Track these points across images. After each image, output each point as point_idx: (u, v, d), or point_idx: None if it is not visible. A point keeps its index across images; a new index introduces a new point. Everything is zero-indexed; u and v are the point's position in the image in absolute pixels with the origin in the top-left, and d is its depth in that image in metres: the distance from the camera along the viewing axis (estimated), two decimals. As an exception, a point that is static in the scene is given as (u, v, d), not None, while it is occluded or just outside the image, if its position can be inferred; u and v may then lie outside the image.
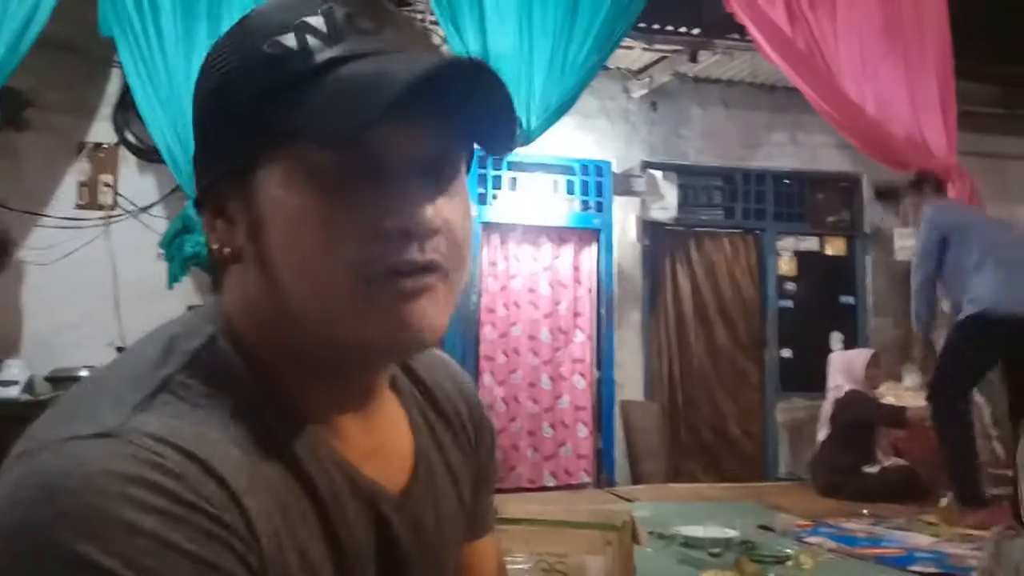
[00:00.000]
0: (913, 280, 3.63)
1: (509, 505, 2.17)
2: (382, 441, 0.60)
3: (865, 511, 3.48)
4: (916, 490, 3.77)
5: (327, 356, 0.55)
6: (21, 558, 0.43)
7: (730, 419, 5.41)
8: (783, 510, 3.64)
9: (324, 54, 0.51)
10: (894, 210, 5.36)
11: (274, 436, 0.52)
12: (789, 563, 2.67)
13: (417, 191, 0.52)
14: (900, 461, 4.07)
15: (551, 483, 4.94)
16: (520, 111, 3.55)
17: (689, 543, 2.86)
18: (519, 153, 4.26)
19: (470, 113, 0.53)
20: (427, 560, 0.61)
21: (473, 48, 3.63)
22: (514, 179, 4.86)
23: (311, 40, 0.51)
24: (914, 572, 2.67)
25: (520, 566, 1.73)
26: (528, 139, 3.73)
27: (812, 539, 3.04)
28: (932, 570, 2.68)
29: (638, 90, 5.26)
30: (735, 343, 5.48)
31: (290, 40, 0.51)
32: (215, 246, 0.55)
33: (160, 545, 0.43)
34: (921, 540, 3.04)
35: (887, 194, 3.86)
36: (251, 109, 0.51)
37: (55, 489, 0.44)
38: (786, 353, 5.51)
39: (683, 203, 5.38)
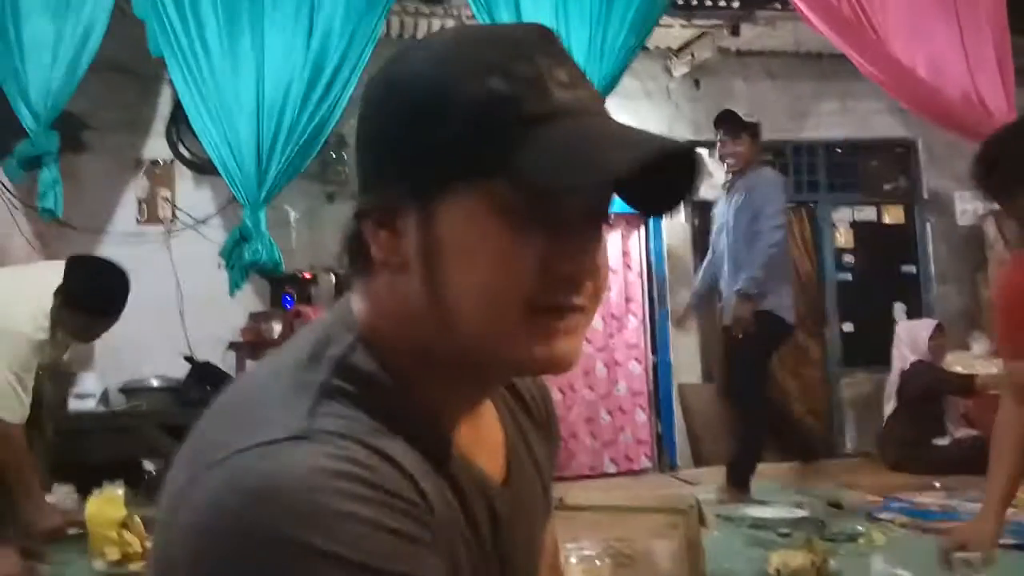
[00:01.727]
0: (775, 235, 3.49)
1: (573, 492, 2.18)
2: (483, 435, 0.65)
3: (937, 484, 3.40)
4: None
5: (469, 366, 0.59)
6: (250, 556, 0.47)
7: (793, 397, 5.32)
8: (852, 487, 3.58)
9: (536, 105, 0.54)
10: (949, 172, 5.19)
11: (420, 436, 0.57)
12: (861, 540, 2.63)
13: (586, 239, 0.57)
14: (972, 432, 3.96)
15: (612, 469, 4.94)
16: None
17: (757, 524, 2.84)
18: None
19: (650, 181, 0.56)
20: (524, 547, 0.67)
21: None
22: (559, 167, 4.85)
23: (521, 87, 0.54)
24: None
25: (588, 552, 1.74)
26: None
27: (884, 515, 2.98)
28: (1011, 542, 2.60)
29: (680, 68, 5.19)
30: (794, 319, 5.38)
31: (500, 83, 0.54)
32: (377, 254, 0.58)
33: (372, 527, 0.49)
34: (999, 512, 2.95)
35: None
36: (451, 142, 0.54)
37: (271, 489, 0.48)
38: (848, 327, 5.39)
39: (732, 180, 5.29)
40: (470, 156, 0.54)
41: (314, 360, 0.57)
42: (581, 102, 0.56)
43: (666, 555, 1.92)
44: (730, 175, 3.76)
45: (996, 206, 1.71)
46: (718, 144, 3.75)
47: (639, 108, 5.14)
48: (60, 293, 2.52)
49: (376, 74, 0.60)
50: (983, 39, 3.95)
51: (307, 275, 4.36)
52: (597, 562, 1.74)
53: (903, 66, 3.89)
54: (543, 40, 0.57)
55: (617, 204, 0.59)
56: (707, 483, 3.79)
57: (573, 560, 1.72)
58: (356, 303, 0.61)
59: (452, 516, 0.57)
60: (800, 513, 2.92)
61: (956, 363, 4.25)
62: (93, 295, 2.59)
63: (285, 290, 4.25)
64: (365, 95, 0.60)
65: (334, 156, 4.55)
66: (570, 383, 4.90)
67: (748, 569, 2.41)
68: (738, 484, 3.53)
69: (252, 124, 3.68)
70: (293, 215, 4.58)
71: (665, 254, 5.10)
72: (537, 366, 0.58)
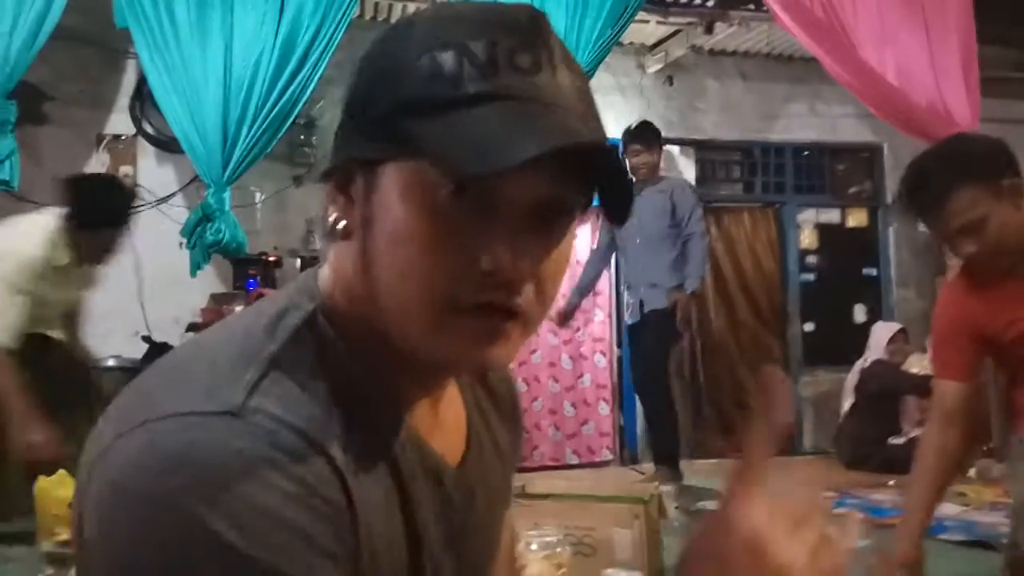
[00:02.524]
0: (701, 227, 3.84)
1: (537, 482, 2.18)
2: (442, 417, 0.63)
3: (891, 482, 3.46)
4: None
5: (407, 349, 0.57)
6: (151, 520, 0.46)
7: (752, 394, 5.38)
8: (809, 484, 3.63)
9: (476, 86, 0.51)
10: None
11: (369, 415, 0.55)
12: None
13: (522, 239, 0.52)
14: (927, 432, 4.04)
15: (574, 461, 4.95)
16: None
17: (715, 517, 2.87)
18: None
19: (591, 176, 0.55)
20: (480, 531, 0.65)
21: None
22: (530, 159, 4.84)
23: (468, 67, 0.51)
24: (944, 541, 2.66)
25: (549, 539, 1.74)
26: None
27: (839, 510, 3.03)
28: (962, 538, 2.66)
29: (653, 65, 5.21)
30: (757, 318, 5.44)
31: (448, 60, 0.52)
32: (332, 217, 0.57)
33: (278, 522, 0.47)
34: (950, 509, 3.02)
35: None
36: (393, 113, 0.53)
37: (188, 461, 0.47)
38: (809, 327, 5.47)
39: (701, 178, 5.33)
40: (406, 130, 0.51)
41: (270, 328, 0.55)
42: (535, 88, 0.52)
43: (626, 544, 1.92)
44: (637, 181, 3.94)
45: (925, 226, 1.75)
46: (630, 153, 3.92)
47: (612, 103, 5.14)
48: (73, 218, 2.48)
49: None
50: (950, 47, 4.02)
51: (271, 257, 4.30)
52: (558, 549, 1.74)
53: (873, 71, 3.95)
54: (521, 21, 0.53)
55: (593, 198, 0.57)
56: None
57: (534, 547, 1.72)
58: (322, 273, 0.60)
59: (382, 511, 0.55)
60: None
61: (914, 364, 4.34)
62: (111, 208, 2.57)
63: (249, 272, 4.19)
64: None
65: (302, 138, 4.49)
66: (535, 375, 4.90)
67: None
68: (670, 465, 3.72)
69: (219, 102, 3.61)
70: (259, 196, 4.51)
71: (633, 249, 5.12)
72: (453, 365, 0.57)
